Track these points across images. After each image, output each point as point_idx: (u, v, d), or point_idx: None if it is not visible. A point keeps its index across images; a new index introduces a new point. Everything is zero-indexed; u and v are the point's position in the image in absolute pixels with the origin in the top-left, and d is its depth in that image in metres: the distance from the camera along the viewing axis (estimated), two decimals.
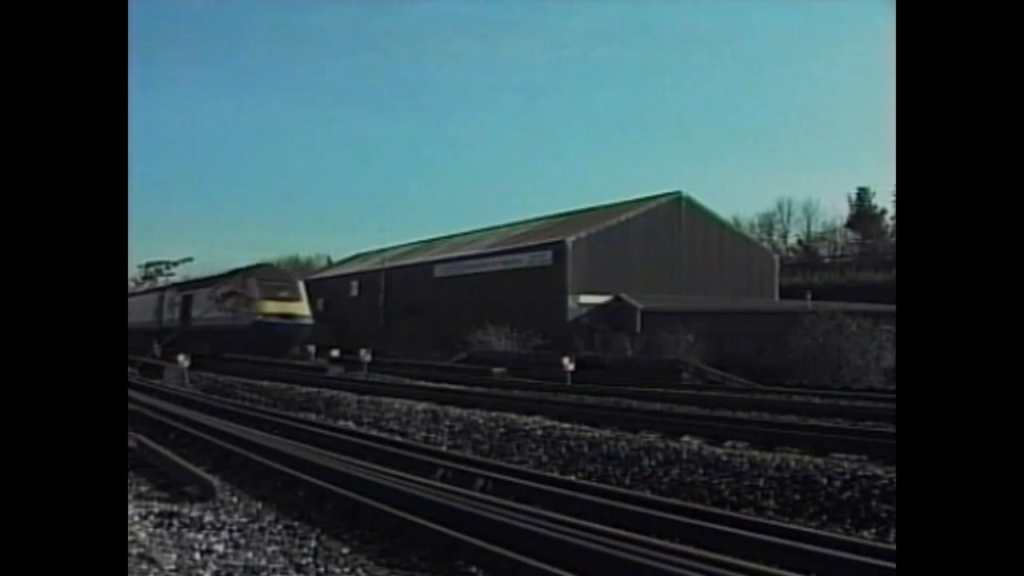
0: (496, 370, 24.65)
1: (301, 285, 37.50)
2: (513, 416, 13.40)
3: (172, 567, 5.66)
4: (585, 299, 35.80)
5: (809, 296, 34.95)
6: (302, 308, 35.64)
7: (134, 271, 64.43)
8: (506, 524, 6.34)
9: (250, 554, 6.10)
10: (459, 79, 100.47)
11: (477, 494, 7.82)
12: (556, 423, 12.59)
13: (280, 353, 31.97)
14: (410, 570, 5.85)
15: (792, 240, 60.45)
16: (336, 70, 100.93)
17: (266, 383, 21.68)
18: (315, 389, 19.38)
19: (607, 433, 11.45)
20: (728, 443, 10.74)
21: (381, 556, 6.11)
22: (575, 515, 6.63)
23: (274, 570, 5.71)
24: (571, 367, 22.25)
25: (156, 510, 7.40)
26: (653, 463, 9.42)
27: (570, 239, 36.49)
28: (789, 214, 60.20)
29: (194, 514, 7.29)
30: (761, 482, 8.27)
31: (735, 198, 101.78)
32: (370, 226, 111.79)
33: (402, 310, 43.80)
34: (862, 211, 58.68)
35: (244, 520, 7.20)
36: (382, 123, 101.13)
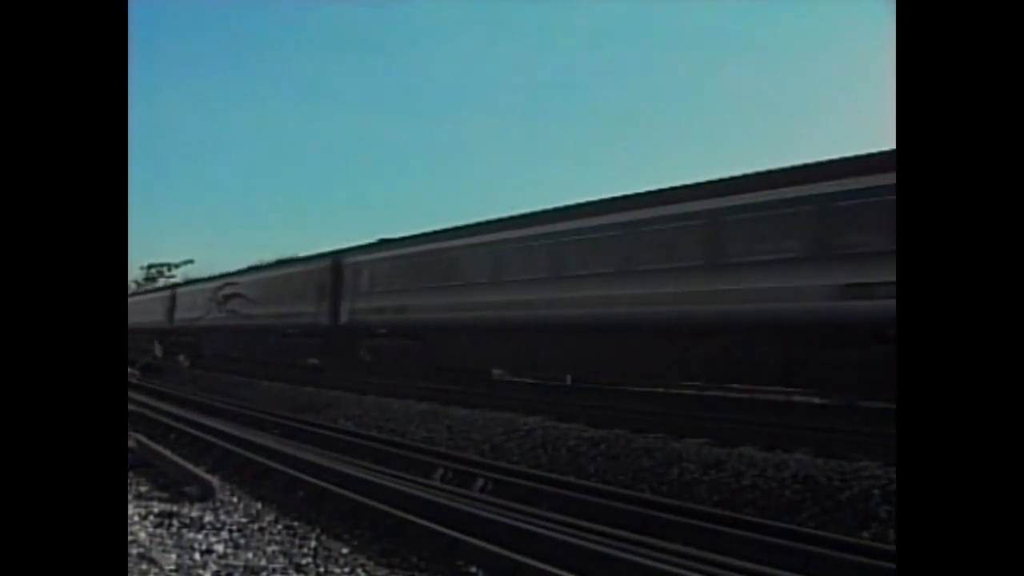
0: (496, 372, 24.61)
1: None
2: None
3: (172, 567, 5.66)
4: None
5: None
6: None
7: (136, 273, 64.45)
8: (506, 524, 6.34)
9: (250, 554, 6.10)
10: (459, 79, 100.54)
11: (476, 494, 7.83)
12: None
13: None
14: (410, 570, 5.84)
15: None
16: (337, 70, 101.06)
17: (266, 383, 21.74)
18: (316, 389, 19.44)
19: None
20: None
21: (381, 556, 6.11)
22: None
23: (274, 570, 5.71)
24: None
25: (156, 510, 7.40)
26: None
27: None
28: None
29: (194, 514, 7.29)
30: None
31: None
32: (370, 226, 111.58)
33: None
34: None
35: (244, 520, 7.20)
36: (382, 123, 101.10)
